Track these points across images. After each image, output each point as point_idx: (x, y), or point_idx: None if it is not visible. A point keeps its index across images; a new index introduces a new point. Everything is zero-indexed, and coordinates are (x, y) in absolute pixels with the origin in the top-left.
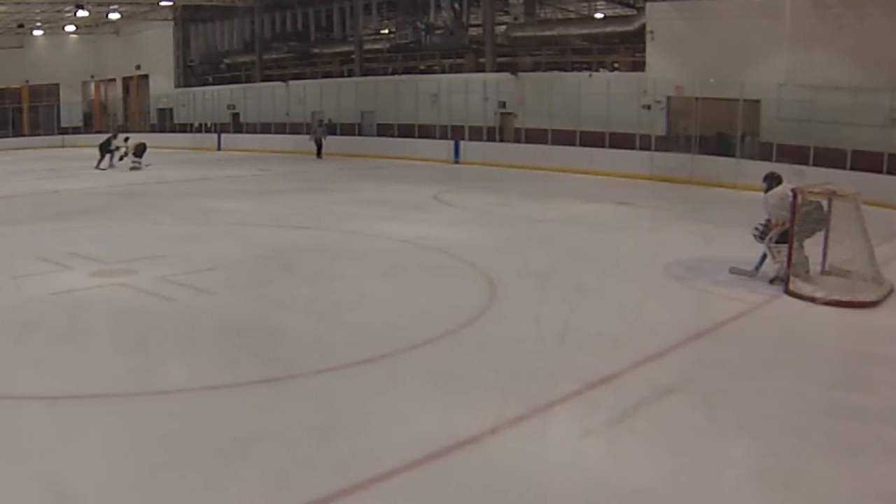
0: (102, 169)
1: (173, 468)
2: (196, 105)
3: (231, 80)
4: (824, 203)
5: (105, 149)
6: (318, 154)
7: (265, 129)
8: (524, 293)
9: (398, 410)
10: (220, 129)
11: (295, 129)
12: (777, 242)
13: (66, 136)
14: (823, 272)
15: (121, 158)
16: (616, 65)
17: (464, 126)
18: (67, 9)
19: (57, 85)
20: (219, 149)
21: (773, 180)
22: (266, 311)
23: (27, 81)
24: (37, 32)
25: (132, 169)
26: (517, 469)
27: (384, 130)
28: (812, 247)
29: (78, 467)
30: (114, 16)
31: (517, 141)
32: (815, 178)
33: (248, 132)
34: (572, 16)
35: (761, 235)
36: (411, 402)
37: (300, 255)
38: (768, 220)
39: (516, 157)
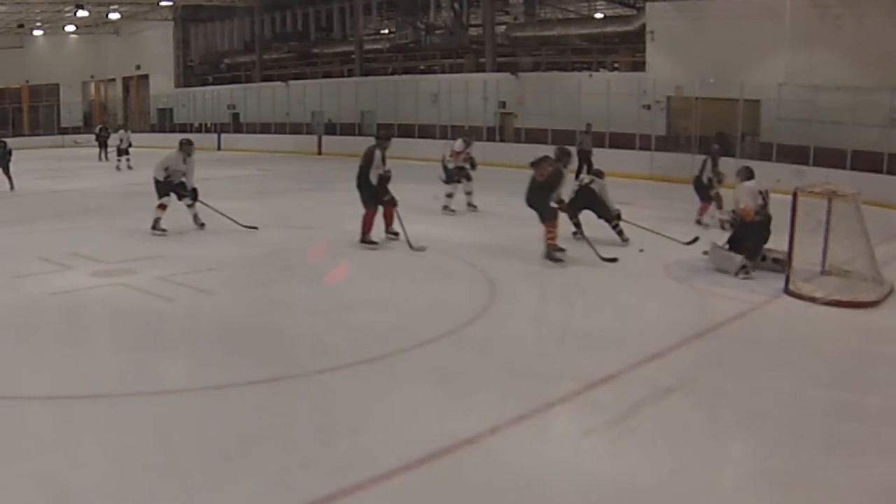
0: None
1: (172, 468)
2: (196, 105)
3: (231, 80)
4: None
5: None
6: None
7: (265, 129)
8: (524, 293)
9: (398, 410)
10: (220, 129)
11: (295, 129)
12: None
13: (66, 136)
14: (823, 272)
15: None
16: (616, 65)
17: (464, 126)
18: (67, 9)
19: (57, 85)
20: (219, 149)
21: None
22: (266, 310)
23: (27, 81)
24: (37, 32)
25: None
26: (517, 469)
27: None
28: (811, 246)
29: (77, 467)
30: (114, 16)
31: (517, 141)
32: (815, 178)
33: (248, 132)
34: (572, 16)
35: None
36: (411, 402)
37: (300, 255)
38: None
39: (516, 157)
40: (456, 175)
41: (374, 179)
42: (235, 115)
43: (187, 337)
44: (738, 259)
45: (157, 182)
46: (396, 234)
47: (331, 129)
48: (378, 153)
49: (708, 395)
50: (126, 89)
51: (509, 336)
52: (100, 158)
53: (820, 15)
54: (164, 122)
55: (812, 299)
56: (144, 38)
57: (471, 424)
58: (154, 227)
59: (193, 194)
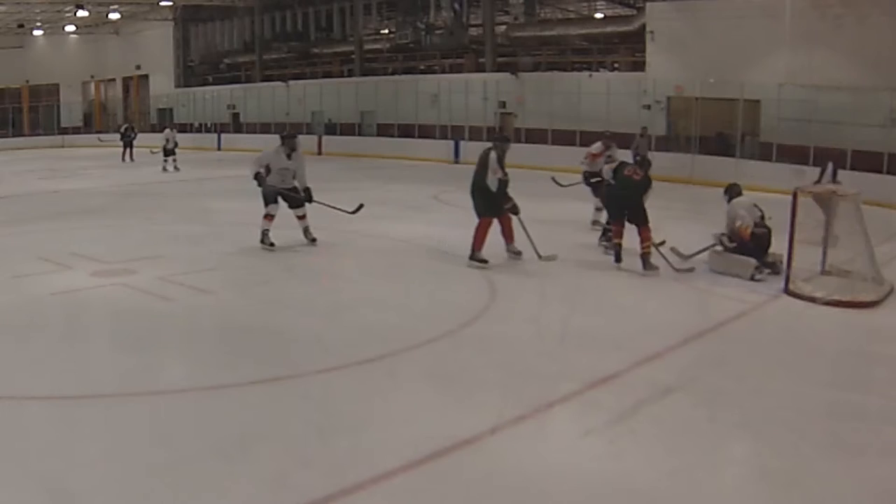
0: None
1: (172, 468)
2: (196, 105)
3: (231, 80)
4: None
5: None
6: None
7: (265, 129)
8: (524, 293)
9: (398, 410)
10: (220, 129)
11: (295, 129)
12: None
13: (66, 136)
14: (823, 272)
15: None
16: (616, 65)
17: (464, 126)
18: (67, 9)
19: (57, 85)
20: (219, 149)
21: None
22: (266, 310)
23: (27, 81)
24: (37, 32)
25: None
26: (517, 469)
27: (384, 130)
28: (811, 246)
29: (77, 467)
30: (114, 16)
31: (517, 141)
32: (815, 178)
33: (248, 132)
34: (572, 16)
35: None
36: (411, 402)
37: (300, 255)
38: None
39: (516, 157)
40: (592, 179)
41: (492, 186)
42: (235, 115)
43: (187, 337)
44: (752, 261)
45: (262, 188)
46: (520, 252)
47: (331, 129)
48: (494, 155)
49: (708, 395)
50: (126, 89)
51: (509, 336)
52: (123, 159)
53: (820, 15)
54: (164, 122)
55: (812, 299)
56: (144, 38)
57: (471, 424)
58: (262, 241)
59: (307, 196)
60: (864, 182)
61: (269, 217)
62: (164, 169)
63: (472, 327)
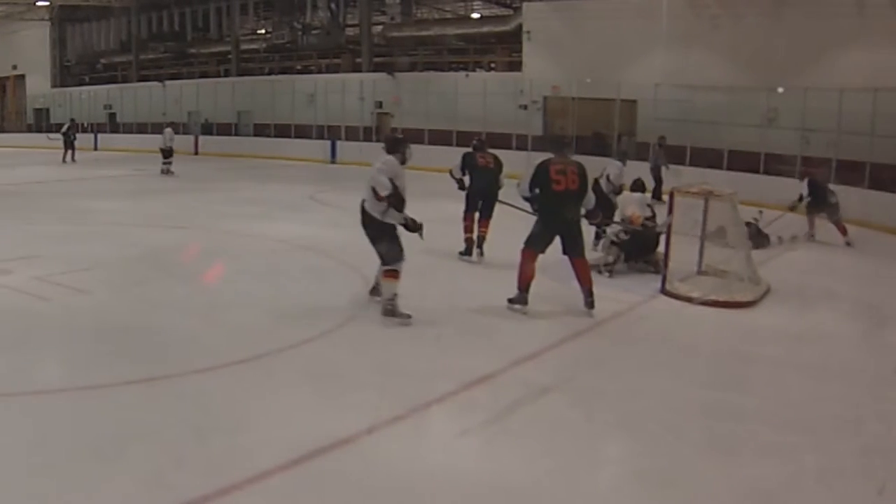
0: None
1: (47, 469)
2: (73, 105)
3: (108, 80)
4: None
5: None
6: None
7: (142, 129)
8: (400, 293)
9: (274, 410)
10: (96, 128)
11: (171, 128)
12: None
13: None
14: (700, 272)
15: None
16: (493, 65)
17: (340, 126)
18: None
19: None
20: (95, 149)
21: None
22: (142, 310)
23: None
24: None
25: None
26: (393, 469)
27: (261, 130)
28: (688, 246)
29: None
30: None
31: None
32: (691, 177)
33: (124, 132)
34: (449, 16)
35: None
36: (288, 402)
37: (177, 254)
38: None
39: None
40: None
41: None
42: (112, 115)
43: (63, 337)
44: (606, 258)
45: (387, 214)
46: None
47: (207, 129)
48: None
49: (584, 395)
50: (2, 89)
51: (385, 336)
52: (64, 160)
53: (696, 15)
54: (41, 123)
55: (688, 299)
56: (21, 38)
57: (347, 424)
58: (395, 314)
59: (415, 227)
60: (740, 182)
61: (395, 276)
62: (163, 172)
63: (349, 327)
